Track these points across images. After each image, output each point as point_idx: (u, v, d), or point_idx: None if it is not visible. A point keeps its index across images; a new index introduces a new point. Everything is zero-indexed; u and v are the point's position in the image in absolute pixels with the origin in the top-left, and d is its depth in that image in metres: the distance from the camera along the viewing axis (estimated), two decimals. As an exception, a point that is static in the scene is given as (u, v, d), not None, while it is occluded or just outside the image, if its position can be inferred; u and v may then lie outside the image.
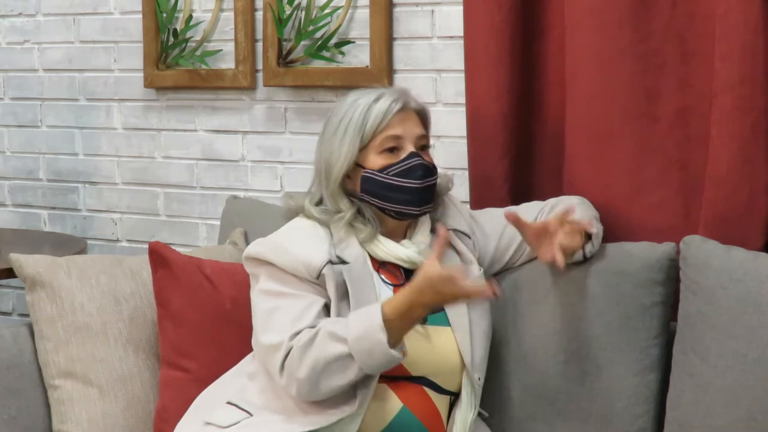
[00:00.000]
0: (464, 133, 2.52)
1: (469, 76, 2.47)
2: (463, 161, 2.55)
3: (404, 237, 2.09)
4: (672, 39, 2.26)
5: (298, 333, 1.92)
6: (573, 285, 2.15)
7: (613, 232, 2.25)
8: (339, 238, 2.02)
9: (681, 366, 2.07)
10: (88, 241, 3.11)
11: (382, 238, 2.04)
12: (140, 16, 2.99)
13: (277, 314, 1.96)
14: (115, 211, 3.16)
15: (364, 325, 1.86)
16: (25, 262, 2.24)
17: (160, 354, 2.25)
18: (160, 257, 2.23)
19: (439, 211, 2.15)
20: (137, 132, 3.09)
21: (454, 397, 2.05)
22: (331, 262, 1.97)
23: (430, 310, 1.87)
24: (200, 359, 2.20)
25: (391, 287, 2.03)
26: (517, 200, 2.45)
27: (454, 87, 2.63)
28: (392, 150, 2.03)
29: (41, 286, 2.23)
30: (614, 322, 2.12)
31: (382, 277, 2.04)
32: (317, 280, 1.97)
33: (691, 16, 2.24)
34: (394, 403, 1.97)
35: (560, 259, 1.98)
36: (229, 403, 2.04)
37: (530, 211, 2.21)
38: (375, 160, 2.02)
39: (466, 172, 2.54)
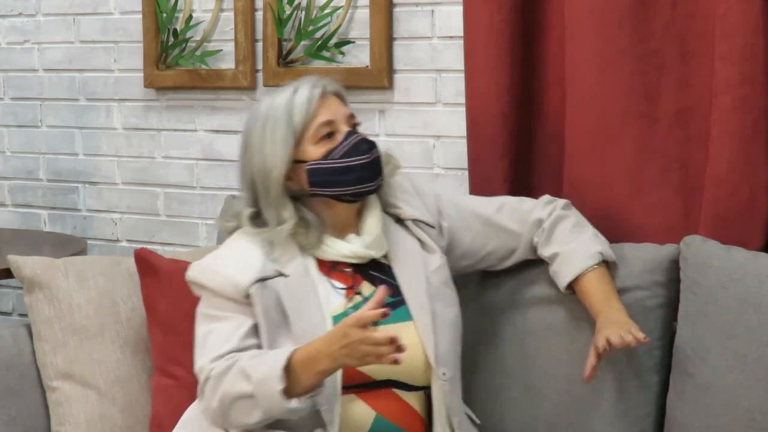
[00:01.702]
0: (464, 133, 2.52)
1: (469, 76, 2.46)
2: (463, 161, 2.55)
3: (351, 230, 2.01)
4: (672, 39, 2.26)
5: (220, 356, 1.87)
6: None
7: (613, 233, 2.24)
8: (279, 252, 1.96)
9: (681, 366, 2.07)
10: (88, 241, 3.11)
11: (326, 239, 1.98)
12: (140, 16, 2.99)
13: (209, 338, 1.92)
14: (115, 211, 3.16)
15: (268, 368, 1.79)
16: (23, 263, 2.23)
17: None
18: (146, 264, 2.22)
19: (396, 195, 2.08)
20: (137, 132, 3.09)
21: (429, 390, 1.98)
22: (264, 278, 1.91)
23: (338, 366, 1.78)
24: (188, 366, 2.17)
25: (344, 291, 1.97)
26: (517, 200, 2.45)
27: (454, 87, 2.63)
28: (329, 136, 1.96)
29: (39, 288, 2.22)
30: (616, 322, 2.12)
31: (333, 282, 1.98)
32: (246, 300, 1.91)
33: (691, 16, 2.24)
34: (366, 414, 1.92)
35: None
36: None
37: (517, 212, 2.16)
38: (314, 151, 1.95)
39: (466, 172, 2.54)
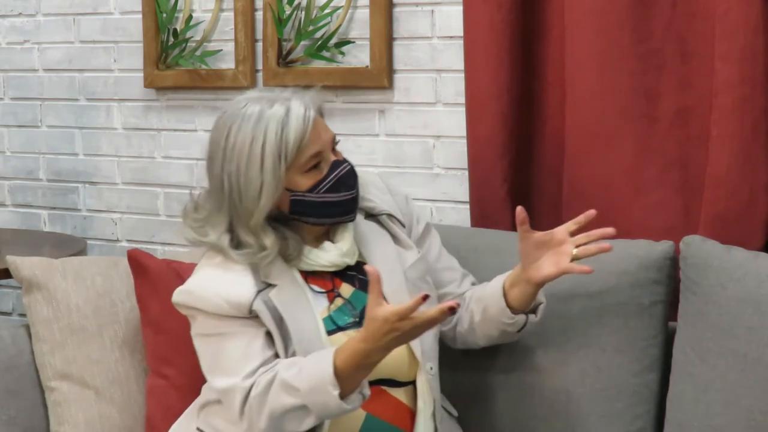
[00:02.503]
0: (464, 133, 2.52)
1: (469, 76, 2.47)
2: (463, 161, 2.55)
3: (326, 236, 2.00)
4: (672, 39, 2.26)
5: (251, 373, 1.86)
6: (571, 285, 2.14)
7: (613, 232, 2.25)
8: (264, 267, 1.91)
9: (681, 366, 2.07)
10: (88, 241, 3.11)
11: (305, 251, 1.95)
12: (140, 16, 2.99)
13: (223, 357, 1.89)
14: (115, 211, 3.16)
15: (315, 377, 1.78)
16: (21, 264, 2.23)
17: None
18: (138, 265, 2.22)
19: (367, 190, 2.05)
20: (137, 132, 3.09)
21: (415, 384, 1.98)
22: (259, 291, 1.89)
23: (391, 350, 1.79)
24: (178, 366, 2.17)
25: (324, 294, 1.96)
26: (517, 200, 2.44)
27: (454, 87, 2.63)
28: (316, 166, 1.91)
29: (37, 288, 2.22)
30: (613, 322, 2.12)
31: (312, 286, 1.96)
32: (250, 315, 1.89)
33: (691, 16, 2.24)
34: (356, 414, 1.89)
35: (579, 267, 1.90)
36: (198, 429, 2.00)
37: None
38: (301, 181, 1.90)
39: (466, 172, 2.54)
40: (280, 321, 1.89)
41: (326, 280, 1.98)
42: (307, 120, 1.88)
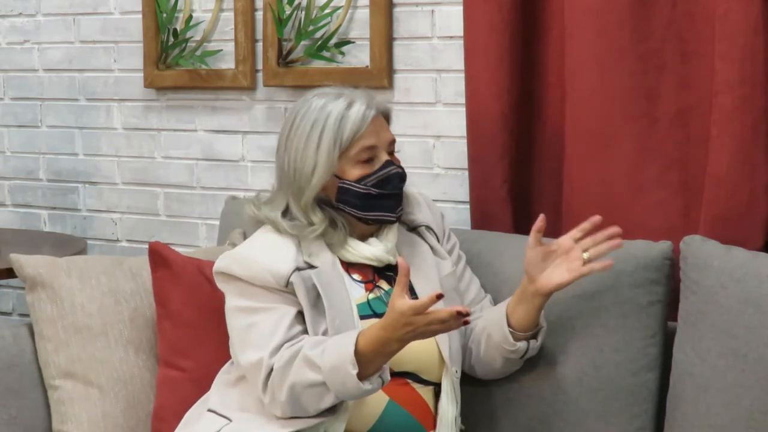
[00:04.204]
0: (464, 133, 2.52)
1: (469, 76, 2.47)
2: (463, 161, 2.56)
3: (372, 235, 2.08)
4: (672, 39, 2.26)
5: (276, 348, 1.92)
6: (569, 285, 2.14)
7: (613, 232, 2.25)
8: (307, 246, 2.01)
9: (681, 366, 2.07)
10: (88, 241, 3.11)
11: (350, 241, 2.04)
12: (140, 16, 2.99)
13: (252, 331, 1.95)
14: (115, 211, 3.16)
15: (337, 356, 1.84)
16: (26, 262, 2.24)
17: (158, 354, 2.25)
18: (160, 257, 2.24)
19: (410, 204, 2.15)
20: (137, 132, 3.09)
21: (438, 387, 2.05)
22: (298, 268, 1.96)
23: (407, 343, 1.84)
24: (197, 358, 2.20)
25: (363, 284, 2.03)
26: (517, 200, 2.45)
27: (454, 87, 2.63)
28: (368, 160, 2.01)
29: (41, 287, 2.23)
30: (611, 322, 2.12)
31: (353, 276, 2.04)
32: (286, 289, 1.96)
33: (691, 16, 2.25)
34: (379, 398, 1.96)
35: (600, 264, 1.97)
36: (209, 410, 2.04)
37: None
38: (351, 171, 2.01)
39: (466, 172, 2.54)
40: (316, 298, 1.95)
41: (366, 272, 2.04)
42: (366, 116, 2.00)
